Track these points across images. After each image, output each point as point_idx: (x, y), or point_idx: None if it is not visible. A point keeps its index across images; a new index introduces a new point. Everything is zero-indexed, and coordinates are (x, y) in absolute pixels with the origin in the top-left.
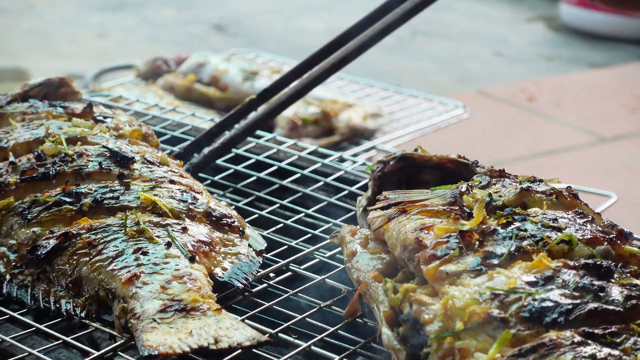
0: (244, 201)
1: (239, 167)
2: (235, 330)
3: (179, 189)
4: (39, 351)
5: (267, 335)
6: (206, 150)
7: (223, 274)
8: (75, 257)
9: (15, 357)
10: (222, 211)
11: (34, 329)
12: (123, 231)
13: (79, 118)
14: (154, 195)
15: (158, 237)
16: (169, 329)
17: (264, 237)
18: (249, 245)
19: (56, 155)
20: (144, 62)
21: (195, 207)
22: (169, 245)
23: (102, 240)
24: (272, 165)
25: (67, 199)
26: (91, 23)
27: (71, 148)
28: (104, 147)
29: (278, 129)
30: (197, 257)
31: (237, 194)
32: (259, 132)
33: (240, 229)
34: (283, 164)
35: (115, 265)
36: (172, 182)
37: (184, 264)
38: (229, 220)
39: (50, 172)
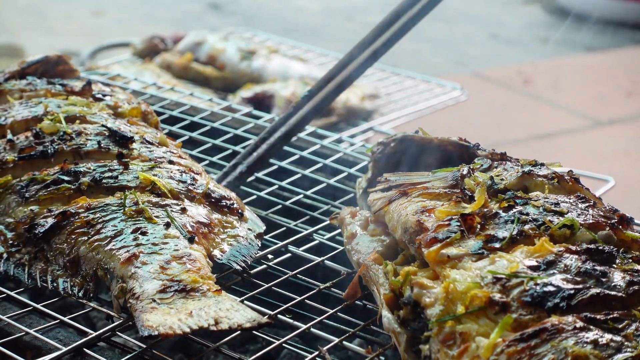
0: None
1: (238, 148)
2: (236, 312)
3: (178, 170)
4: (35, 331)
5: (267, 316)
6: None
7: (222, 255)
8: (73, 236)
9: (13, 337)
10: (221, 193)
11: (30, 308)
12: (122, 211)
13: (78, 96)
14: (153, 175)
15: (157, 217)
16: (169, 309)
17: (262, 218)
18: (248, 228)
19: (55, 133)
20: (140, 40)
21: (194, 188)
22: (167, 225)
23: (101, 220)
24: None
25: (66, 178)
26: (87, 0)
27: (70, 127)
28: (103, 126)
29: (275, 109)
30: (196, 237)
31: None
32: (257, 113)
33: (239, 211)
34: None
35: (113, 245)
36: (171, 162)
37: (183, 244)
38: (228, 202)
39: (49, 151)
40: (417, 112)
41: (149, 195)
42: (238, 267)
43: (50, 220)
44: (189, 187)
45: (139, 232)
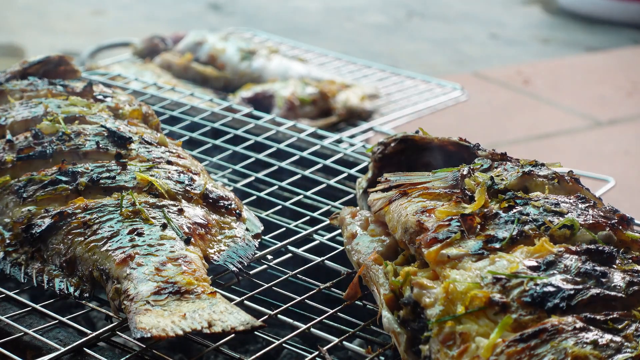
0: (242, 182)
1: (238, 148)
2: (230, 315)
3: (176, 170)
4: (35, 331)
5: (266, 316)
6: None
7: (218, 257)
8: (69, 237)
9: (12, 337)
10: (219, 193)
11: (30, 308)
12: (119, 211)
13: (79, 97)
14: (151, 175)
15: (154, 218)
16: (163, 311)
17: (261, 218)
18: (246, 229)
19: (54, 134)
20: (141, 39)
21: (192, 188)
22: (164, 226)
23: (97, 220)
24: (271, 147)
25: (63, 178)
26: (87, 0)
27: (69, 127)
28: (102, 126)
29: (275, 109)
30: (192, 239)
31: (235, 175)
32: (257, 113)
33: (237, 211)
34: (282, 146)
35: (109, 246)
36: (169, 162)
37: (179, 246)
38: (225, 202)
39: (47, 151)
40: (417, 112)
41: (146, 196)
42: (234, 269)
43: (47, 221)
44: (187, 187)
45: (135, 233)
